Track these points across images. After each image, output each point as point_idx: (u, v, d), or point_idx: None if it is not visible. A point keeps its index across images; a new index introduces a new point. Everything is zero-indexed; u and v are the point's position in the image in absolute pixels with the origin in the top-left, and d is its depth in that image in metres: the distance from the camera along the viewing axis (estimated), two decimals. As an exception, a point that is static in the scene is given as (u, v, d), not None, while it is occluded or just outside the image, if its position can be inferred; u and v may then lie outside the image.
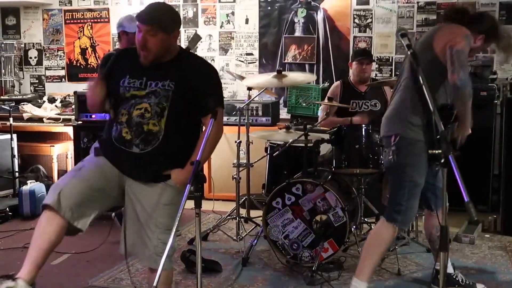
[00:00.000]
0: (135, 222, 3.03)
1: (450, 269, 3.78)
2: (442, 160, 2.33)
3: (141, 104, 3.00)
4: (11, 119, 6.12)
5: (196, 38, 3.50)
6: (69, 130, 6.50)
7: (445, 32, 3.38)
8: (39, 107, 6.87)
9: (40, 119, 6.70)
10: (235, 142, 5.21)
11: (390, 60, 6.73)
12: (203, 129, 3.13)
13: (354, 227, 4.37)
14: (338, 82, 5.34)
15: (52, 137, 6.97)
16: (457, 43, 3.22)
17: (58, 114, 6.76)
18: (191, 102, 3.02)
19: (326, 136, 4.59)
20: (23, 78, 7.81)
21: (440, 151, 2.32)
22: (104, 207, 3.16)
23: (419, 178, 3.36)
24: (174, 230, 2.49)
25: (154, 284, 2.38)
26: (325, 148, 4.93)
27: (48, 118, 6.68)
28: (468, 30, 3.32)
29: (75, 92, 5.90)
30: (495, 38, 3.47)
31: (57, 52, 7.73)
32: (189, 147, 3.07)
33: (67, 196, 2.96)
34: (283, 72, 4.75)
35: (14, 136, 6.18)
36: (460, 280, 3.77)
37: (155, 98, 2.99)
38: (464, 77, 3.15)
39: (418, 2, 6.59)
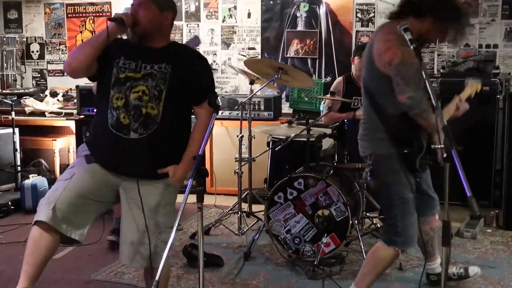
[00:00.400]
0: (132, 222, 2.98)
1: (438, 270, 3.77)
2: (445, 156, 2.32)
3: (138, 87, 2.95)
4: (13, 113, 6.13)
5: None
6: (71, 124, 6.51)
7: (377, 42, 3.10)
8: (41, 101, 6.89)
9: (42, 113, 6.71)
10: (237, 136, 5.20)
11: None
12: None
13: (356, 221, 4.36)
14: (341, 78, 5.32)
15: (54, 131, 6.97)
16: (393, 55, 2.95)
17: (60, 108, 6.77)
18: (188, 87, 3.00)
19: (328, 131, 4.59)
20: (25, 72, 7.82)
21: (443, 145, 2.31)
22: (99, 214, 3.11)
23: (407, 193, 3.15)
24: (174, 229, 2.49)
25: (155, 283, 2.37)
26: (327, 143, 4.93)
27: (50, 112, 6.69)
28: (396, 24, 2.91)
29: (77, 86, 5.92)
30: (447, 17, 3.06)
31: (59, 46, 7.73)
32: (184, 135, 3.08)
33: (62, 210, 2.92)
34: (285, 69, 4.72)
35: (16, 130, 6.19)
36: (452, 274, 3.82)
37: (152, 81, 2.95)
38: (413, 93, 2.92)
39: (420, -3, 6.55)
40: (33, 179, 5.74)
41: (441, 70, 6.25)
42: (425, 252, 3.73)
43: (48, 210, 2.91)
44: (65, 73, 4.94)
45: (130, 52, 3.02)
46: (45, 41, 7.82)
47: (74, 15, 7.65)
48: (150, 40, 3.02)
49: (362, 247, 4.31)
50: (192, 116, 3.16)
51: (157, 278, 2.36)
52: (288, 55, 6.99)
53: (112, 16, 3.26)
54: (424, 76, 2.58)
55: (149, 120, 2.94)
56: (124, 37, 3.08)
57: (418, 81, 2.91)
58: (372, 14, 6.72)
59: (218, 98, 2.88)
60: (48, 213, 2.90)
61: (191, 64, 3.06)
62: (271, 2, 6.99)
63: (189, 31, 7.20)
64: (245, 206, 5.27)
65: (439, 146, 2.38)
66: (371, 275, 3.35)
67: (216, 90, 3.14)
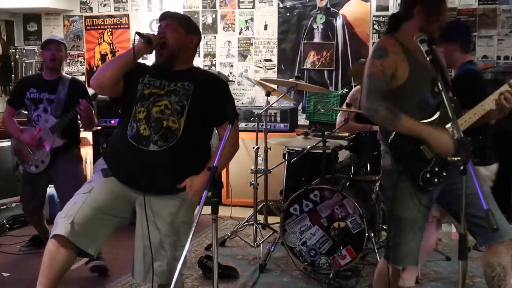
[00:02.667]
0: (146, 239, 2.97)
1: None
2: (461, 168, 2.30)
3: (161, 102, 2.98)
4: (32, 124, 6.17)
5: None
6: (89, 135, 6.53)
7: None
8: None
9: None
10: (253, 148, 5.21)
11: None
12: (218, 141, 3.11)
13: (372, 234, 4.33)
14: (359, 86, 5.32)
15: (72, 142, 6.99)
16: (367, 66, 2.95)
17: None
18: (209, 105, 3.02)
19: (345, 143, 4.58)
20: (44, 84, 7.88)
21: (458, 158, 2.28)
22: (113, 229, 3.11)
23: (403, 212, 2.95)
24: (187, 247, 2.49)
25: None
26: (343, 155, 4.91)
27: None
28: (384, 39, 3.03)
29: (94, 97, 5.94)
30: (431, 5, 2.98)
31: (78, 58, 7.79)
32: (203, 151, 3.10)
33: (80, 224, 2.92)
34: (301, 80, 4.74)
35: (35, 141, 6.22)
36: None
37: (175, 97, 2.99)
38: (369, 104, 2.87)
39: (438, 8, 6.54)
40: (50, 190, 5.76)
41: (459, 82, 6.19)
42: None
43: (67, 224, 2.91)
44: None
45: (154, 72, 3.09)
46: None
47: (92, 27, 7.72)
48: (175, 62, 3.07)
49: (379, 259, 4.27)
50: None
51: (171, 289, 2.36)
52: (304, 67, 6.98)
53: (130, 27, 3.32)
54: (441, 87, 2.55)
55: (169, 133, 2.95)
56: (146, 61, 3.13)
57: (381, 94, 2.85)
58: (389, 26, 6.69)
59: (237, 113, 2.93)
60: (67, 227, 2.91)
61: (213, 87, 3.10)
62: (288, 14, 7.00)
63: (206, 43, 7.22)
64: (260, 218, 5.26)
65: (455, 159, 2.34)
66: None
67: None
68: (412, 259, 3.02)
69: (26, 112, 4.70)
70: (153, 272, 2.96)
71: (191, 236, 2.48)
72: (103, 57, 7.61)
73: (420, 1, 2.96)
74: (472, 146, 2.70)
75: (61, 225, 2.93)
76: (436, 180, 2.87)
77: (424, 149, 2.87)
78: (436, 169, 2.87)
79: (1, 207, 5.97)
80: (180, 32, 3.06)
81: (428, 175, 2.86)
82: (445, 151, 2.76)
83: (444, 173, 2.88)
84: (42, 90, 4.54)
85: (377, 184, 3.15)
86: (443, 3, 3.04)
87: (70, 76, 4.68)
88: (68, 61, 7.83)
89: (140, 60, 3.08)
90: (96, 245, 3.02)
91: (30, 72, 7.52)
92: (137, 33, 2.98)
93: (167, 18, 3.11)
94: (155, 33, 3.05)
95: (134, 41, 2.97)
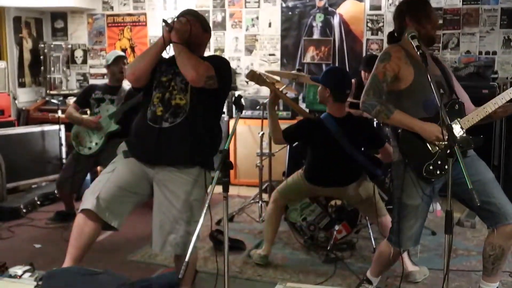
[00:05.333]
0: (163, 214, 2.99)
1: None
2: (448, 151, 2.30)
3: (170, 84, 3.04)
4: (59, 111, 6.18)
5: None
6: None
7: None
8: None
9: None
10: (259, 133, 5.21)
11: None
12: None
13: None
14: (353, 80, 5.30)
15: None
16: (374, 68, 3.02)
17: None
18: None
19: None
20: (70, 75, 7.88)
21: (445, 143, 2.28)
22: (135, 205, 3.14)
23: (408, 200, 2.96)
24: (200, 222, 2.48)
25: (184, 264, 2.37)
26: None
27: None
28: (389, 46, 3.07)
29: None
30: (418, 12, 3.01)
31: (100, 52, 7.77)
32: (213, 127, 3.11)
33: (105, 199, 2.96)
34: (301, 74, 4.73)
35: (62, 127, 6.24)
36: None
37: (179, 77, 3.02)
38: (365, 99, 2.93)
39: (426, 8, 6.49)
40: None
41: (444, 75, 6.16)
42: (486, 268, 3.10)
43: (93, 199, 2.95)
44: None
45: (169, 61, 3.09)
46: (88, 47, 7.87)
47: (113, 24, 7.69)
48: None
49: (371, 234, 4.28)
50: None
51: (186, 259, 2.36)
52: (304, 61, 6.95)
53: (148, 24, 3.30)
54: (430, 79, 2.55)
55: (178, 109, 2.98)
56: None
57: (379, 92, 2.91)
58: (381, 24, 6.66)
59: (242, 99, 2.89)
60: (93, 202, 2.94)
61: (210, 60, 3.06)
62: (290, 13, 6.96)
63: (216, 39, 7.20)
64: (265, 196, 5.26)
65: (443, 144, 2.34)
66: (377, 265, 3.33)
67: (240, 92, 3.16)
68: (413, 242, 3.05)
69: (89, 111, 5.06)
70: (169, 244, 2.98)
71: (203, 213, 2.48)
72: (123, 52, 7.57)
73: (407, 12, 3.03)
74: (473, 144, 2.85)
75: (88, 201, 2.97)
76: (438, 172, 2.88)
77: (429, 144, 2.89)
78: (439, 162, 2.87)
79: (33, 186, 6.00)
80: (198, 28, 3.07)
81: (431, 167, 2.87)
82: (434, 138, 2.81)
83: (446, 166, 2.84)
84: (105, 92, 4.88)
85: (389, 175, 3.20)
86: (428, 6, 3.08)
87: (129, 86, 4.79)
88: (91, 55, 7.83)
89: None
90: (119, 219, 3.04)
91: (58, 65, 7.53)
92: (164, 20, 2.98)
93: (187, 14, 3.09)
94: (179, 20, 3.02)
95: (164, 28, 2.97)
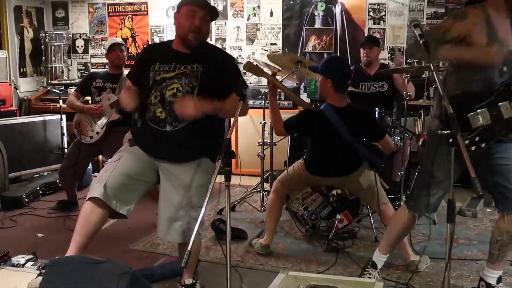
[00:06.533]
0: (168, 201, 3.00)
1: (492, 281, 3.13)
2: (450, 140, 2.28)
3: (172, 85, 2.95)
4: (60, 101, 6.17)
5: None
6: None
7: None
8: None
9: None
10: (260, 123, 5.20)
11: (402, 50, 6.63)
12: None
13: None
14: (352, 67, 5.29)
15: (97, 118, 7.00)
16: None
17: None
18: (218, 82, 2.97)
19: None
20: (71, 65, 7.87)
21: (448, 131, 2.27)
22: (142, 193, 3.14)
23: (436, 171, 2.90)
24: (204, 208, 2.47)
25: (187, 252, 2.37)
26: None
27: (93, 101, 6.73)
28: (472, 6, 2.98)
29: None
30: None
31: (101, 41, 7.75)
32: (216, 127, 3.08)
33: (112, 187, 2.97)
34: (304, 62, 4.70)
35: (64, 116, 6.24)
36: None
37: (185, 79, 2.95)
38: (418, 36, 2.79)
39: (428, -3, 6.49)
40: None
41: (447, 64, 6.13)
42: (492, 254, 3.10)
43: (100, 188, 2.96)
44: (106, 66, 5.01)
45: (164, 58, 3.03)
46: (89, 37, 7.85)
47: (114, 13, 7.67)
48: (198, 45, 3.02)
49: (372, 223, 4.29)
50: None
51: (189, 248, 2.36)
52: (306, 50, 6.93)
53: (149, 13, 3.26)
54: (432, 68, 2.53)
55: None
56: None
57: (430, 38, 2.72)
58: (383, 13, 6.63)
59: (246, 88, 2.86)
60: (100, 190, 2.95)
61: (221, 64, 3.04)
62: (291, 2, 6.93)
63: (217, 28, 7.17)
64: (266, 186, 5.27)
65: (445, 132, 2.32)
66: (388, 235, 3.33)
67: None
68: (430, 210, 3.08)
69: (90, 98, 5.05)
70: (174, 231, 2.99)
71: (207, 199, 2.47)
72: (124, 41, 7.53)
73: None
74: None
75: (95, 189, 2.98)
76: (473, 148, 2.81)
77: (471, 118, 2.81)
78: (477, 139, 2.81)
79: (35, 175, 6.00)
80: (210, 23, 3.06)
81: (467, 142, 2.80)
82: (486, 61, 2.76)
83: (483, 145, 2.81)
84: (106, 80, 4.87)
85: (421, 140, 3.12)
86: None
87: None
88: (93, 44, 7.81)
89: (156, 39, 3.04)
90: (126, 206, 3.05)
91: (59, 55, 7.52)
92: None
93: (203, 7, 3.02)
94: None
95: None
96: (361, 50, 5.26)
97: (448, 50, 2.83)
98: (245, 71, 4.31)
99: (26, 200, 5.28)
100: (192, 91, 2.94)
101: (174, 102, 2.89)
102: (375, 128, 3.86)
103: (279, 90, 4.10)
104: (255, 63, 4.01)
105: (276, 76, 5.20)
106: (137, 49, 7.45)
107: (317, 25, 6.89)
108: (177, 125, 2.94)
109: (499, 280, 3.12)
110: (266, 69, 5.05)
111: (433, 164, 2.91)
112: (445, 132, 2.28)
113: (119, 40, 5.09)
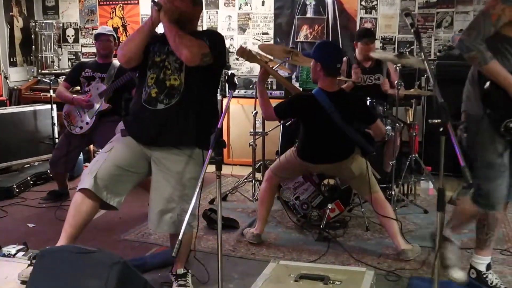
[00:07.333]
0: (160, 192, 3.00)
1: (482, 267, 3.15)
2: (441, 129, 2.28)
3: (164, 64, 3.00)
4: (51, 91, 6.12)
5: None
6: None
7: None
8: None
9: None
10: (252, 113, 5.19)
11: (393, 39, 6.63)
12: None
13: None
14: (345, 58, 5.28)
15: (88, 108, 6.96)
16: (488, 4, 2.75)
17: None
18: None
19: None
20: (61, 54, 7.82)
21: (439, 120, 2.27)
22: (134, 184, 3.12)
23: (494, 157, 2.81)
24: (194, 199, 2.47)
25: (178, 242, 2.37)
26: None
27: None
28: None
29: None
30: None
31: (92, 31, 7.70)
32: (208, 107, 3.08)
33: (102, 178, 2.95)
34: (294, 52, 4.69)
35: (54, 106, 6.19)
36: (489, 282, 3.12)
37: (172, 56, 2.97)
38: (465, 39, 2.71)
39: (420, -14, 6.48)
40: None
41: (438, 54, 6.17)
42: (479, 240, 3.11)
43: (91, 179, 2.94)
44: (96, 56, 4.99)
45: (162, 40, 3.02)
46: (79, 26, 7.80)
47: (105, 2, 7.61)
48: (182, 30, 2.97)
49: (364, 212, 4.31)
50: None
51: (180, 237, 2.36)
52: (298, 40, 6.92)
53: (140, 2, 3.24)
54: (423, 57, 2.53)
55: (172, 90, 2.96)
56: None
57: (483, 36, 2.66)
58: (375, 2, 6.62)
59: (235, 78, 2.87)
60: (91, 181, 2.93)
61: (205, 36, 3.02)
62: (283, -9, 6.92)
63: (209, 18, 7.14)
64: (258, 176, 5.27)
65: (436, 121, 2.32)
66: (456, 221, 3.24)
67: (233, 71, 3.13)
68: (501, 202, 2.94)
69: (79, 89, 5.01)
70: (165, 223, 2.98)
71: (197, 190, 2.47)
72: (115, 30, 7.46)
73: None
74: None
75: (86, 180, 2.96)
76: None
77: None
78: None
79: (25, 166, 5.98)
80: (187, 3, 3.01)
81: (511, 125, 2.72)
82: None
83: None
84: (95, 70, 4.85)
85: (460, 127, 3.05)
86: None
87: (119, 62, 4.75)
88: (83, 33, 7.76)
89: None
90: (117, 198, 3.03)
91: (49, 44, 7.47)
92: (152, 1, 2.94)
93: None
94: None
95: (153, 8, 2.94)
96: (358, 44, 5.19)
97: (498, 68, 2.69)
98: (237, 57, 4.30)
99: (17, 190, 5.25)
100: (180, 67, 2.97)
101: (163, 80, 2.96)
102: (367, 112, 3.87)
103: (270, 78, 4.09)
104: (248, 48, 3.99)
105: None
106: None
107: (309, 14, 6.87)
108: (168, 102, 2.95)
109: (488, 266, 3.14)
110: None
111: (488, 153, 2.83)
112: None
113: (107, 29, 5.05)
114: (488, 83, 2.74)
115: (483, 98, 2.79)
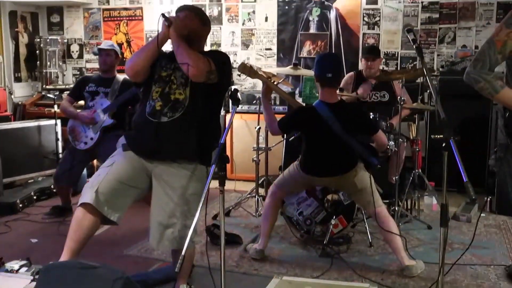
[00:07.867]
0: (161, 208, 3.00)
1: None
2: (443, 145, 2.29)
3: (170, 79, 3.04)
4: (55, 106, 6.14)
5: None
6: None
7: None
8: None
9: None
10: (255, 128, 5.20)
11: (396, 55, 6.65)
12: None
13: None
14: (352, 73, 5.31)
15: (92, 123, 6.99)
16: (494, 31, 2.74)
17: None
18: None
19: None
20: (66, 70, 7.85)
21: (441, 136, 2.28)
22: (134, 200, 3.13)
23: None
24: (197, 216, 2.48)
25: (181, 258, 2.37)
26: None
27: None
28: None
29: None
30: None
31: (96, 46, 7.74)
32: (212, 119, 3.11)
33: (104, 193, 2.96)
34: (298, 66, 4.73)
35: (58, 121, 6.21)
36: None
37: (179, 72, 3.01)
38: (471, 70, 2.70)
39: (422, 2, 6.51)
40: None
41: (440, 69, 6.18)
42: None
43: (92, 193, 2.95)
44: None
45: (169, 56, 3.09)
46: (84, 42, 7.85)
47: (109, 18, 7.67)
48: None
49: (367, 228, 4.30)
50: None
51: (183, 253, 2.37)
52: (301, 55, 6.95)
53: (144, 18, 3.30)
54: (425, 73, 2.55)
55: (177, 104, 2.98)
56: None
57: (490, 65, 2.63)
58: (378, 18, 6.66)
59: (238, 93, 2.89)
60: (92, 195, 2.94)
61: (211, 56, 3.06)
62: (286, 7, 6.95)
63: (212, 33, 7.18)
64: (261, 191, 5.27)
65: (438, 136, 2.33)
66: None
67: (236, 87, 3.16)
68: None
69: (83, 103, 5.03)
70: (166, 238, 2.98)
71: (200, 207, 2.47)
72: (119, 46, 7.53)
73: None
74: None
75: (87, 194, 2.97)
76: None
77: None
78: None
79: (29, 181, 5.99)
80: (197, 22, 3.07)
81: None
82: None
83: None
84: (99, 85, 4.87)
85: (492, 156, 3.01)
86: None
87: (122, 76, 4.86)
88: (88, 49, 7.80)
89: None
90: (118, 213, 3.04)
91: (54, 60, 7.51)
92: (162, 14, 2.97)
93: (185, 10, 3.10)
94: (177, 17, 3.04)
95: (163, 23, 2.98)
96: (364, 61, 5.21)
97: (509, 95, 2.66)
98: (239, 73, 4.33)
99: (20, 205, 5.26)
100: (186, 82, 3.01)
101: (168, 94, 3.01)
102: (368, 122, 3.89)
103: (274, 94, 4.11)
104: (249, 64, 4.02)
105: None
106: (132, 54, 7.44)
107: (312, 30, 6.91)
108: (172, 115, 2.97)
109: None
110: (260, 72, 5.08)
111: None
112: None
113: (108, 43, 5.09)
114: (507, 114, 2.73)
115: (506, 127, 2.78)
